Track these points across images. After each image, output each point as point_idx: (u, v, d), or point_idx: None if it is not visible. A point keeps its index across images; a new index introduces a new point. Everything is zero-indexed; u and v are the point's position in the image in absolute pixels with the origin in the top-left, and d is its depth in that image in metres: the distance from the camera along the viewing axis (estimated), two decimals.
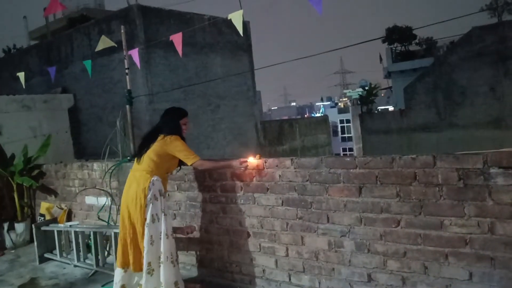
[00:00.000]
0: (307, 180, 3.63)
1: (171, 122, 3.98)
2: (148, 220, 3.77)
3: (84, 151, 11.64)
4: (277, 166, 3.83)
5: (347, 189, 3.40)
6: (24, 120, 9.03)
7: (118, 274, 3.97)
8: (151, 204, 3.78)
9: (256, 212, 4.02)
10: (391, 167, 3.16)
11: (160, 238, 3.81)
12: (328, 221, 3.54)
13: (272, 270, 3.95)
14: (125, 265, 3.96)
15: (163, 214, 3.83)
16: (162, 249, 3.79)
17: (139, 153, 4.00)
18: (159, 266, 3.80)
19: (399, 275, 3.20)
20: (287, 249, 3.83)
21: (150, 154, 3.88)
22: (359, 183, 3.33)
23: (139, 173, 3.88)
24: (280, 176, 3.81)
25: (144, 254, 3.79)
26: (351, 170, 3.37)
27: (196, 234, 4.52)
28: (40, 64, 13.61)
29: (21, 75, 6.90)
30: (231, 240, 4.25)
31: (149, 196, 3.78)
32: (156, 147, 3.87)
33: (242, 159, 3.92)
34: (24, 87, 7.69)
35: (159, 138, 3.90)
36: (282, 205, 3.82)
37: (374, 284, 3.33)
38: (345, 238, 3.45)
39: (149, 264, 3.78)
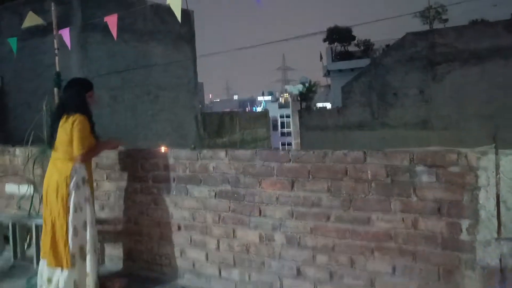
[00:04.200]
0: (241, 173, 3.59)
1: (76, 97, 3.73)
2: (71, 210, 3.57)
3: (11, 138, 10.89)
4: (211, 157, 3.76)
5: (280, 182, 3.40)
6: None
7: (43, 265, 3.73)
8: (73, 193, 3.58)
9: (188, 204, 3.92)
10: (323, 161, 3.20)
11: (85, 229, 3.65)
12: (260, 214, 3.52)
13: (203, 264, 3.88)
14: None
15: (87, 202, 3.65)
16: (88, 238, 3.64)
17: (50, 139, 3.76)
18: (85, 256, 3.64)
19: (327, 269, 3.25)
20: (218, 242, 3.78)
21: (62, 138, 3.63)
22: (292, 176, 3.34)
23: (60, 162, 3.65)
24: (214, 167, 3.74)
25: (70, 246, 3.58)
26: (285, 164, 3.37)
27: (125, 226, 4.35)
28: None
29: None
30: (161, 232, 4.13)
31: (71, 184, 3.58)
32: (64, 129, 3.62)
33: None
34: None
35: (63, 118, 3.64)
36: (215, 197, 3.76)
37: (302, 278, 3.36)
38: (276, 231, 3.45)
39: (73, 256, 3.59)
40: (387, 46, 21.62)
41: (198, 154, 3.84)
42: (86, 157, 3.68)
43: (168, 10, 12.35)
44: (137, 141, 11.15)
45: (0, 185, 5.67)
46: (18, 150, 5.46)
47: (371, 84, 17.97)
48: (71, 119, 3.60)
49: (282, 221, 3.41)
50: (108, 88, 11.11)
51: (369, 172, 3.04)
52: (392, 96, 17.52)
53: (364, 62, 22.08)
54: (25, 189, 5.30)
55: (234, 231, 3.68)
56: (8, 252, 4.90)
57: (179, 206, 3.98)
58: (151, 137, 12.30)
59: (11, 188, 5.53)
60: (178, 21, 4.57)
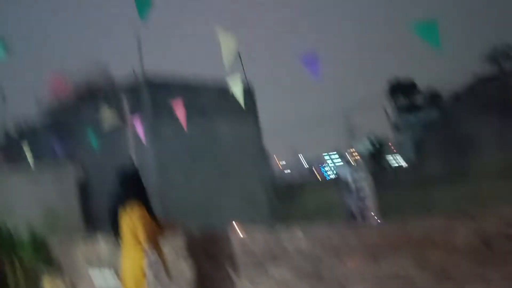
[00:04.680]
0: (319, 249, 3.43)
1: (131, 183, 3.88)
2: None
3: (94, 225, 11.47)
4: (287, 234, 3.65)
5: (362, 257, 3.18)
6: (32, 194, 9.00)
7: None
8: (150, 281, 3.63)
9: (268, 285, 3.78)
10: (405, 231, 2.97)
11: None
12: None
13: None
14: None
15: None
16: None
17: (115, 231, 3.84)
18: None
19: None
20: None
21: (126, 230, 3.71)
22: (374, 250, 3.12)
23: (131, 252, 3.72)
24: (290, 245, 3.61)
25: None
26: (365, 238, 3.17)
27: None
28: (49, 139, 13.79)
29: (28, 154, 6.94)
30: None
31: (148, 272, 3.64)
32: (126, 221, 3.72)
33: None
34: (32, 165, 7.72)
35: (124, 209, 3.74)
36: (295, 277, 3.59)
37: None
38: None
39: None
40: (456, 93, 20.81)
41: (273, 232, 3.74)
42: (153, 244, 3.72)
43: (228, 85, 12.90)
44: (210, 217, 11.28)
45: (86, 272, 5.87)
46: (101, 239, 5.68)
47: (444, 135, 17.18)
48: (131, 210, 3.71)
49: None
50: (179, 168, 11.51)
51: (458, 239, 2.76)
52: (470, 144, 16.56)
53: (433, 113, 21.33)
54: (109, 275, 5.44)
55: None
56: None
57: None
58: (224, 212, 12.38)
59: (95, 275, 5.71)
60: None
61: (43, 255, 6.63)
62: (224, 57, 3.97)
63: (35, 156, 7.71)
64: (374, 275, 3.12)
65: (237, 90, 4.31)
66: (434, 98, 24.22)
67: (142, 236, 3.64)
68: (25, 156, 7.74)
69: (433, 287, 2.86)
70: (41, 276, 6.74)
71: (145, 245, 3.65)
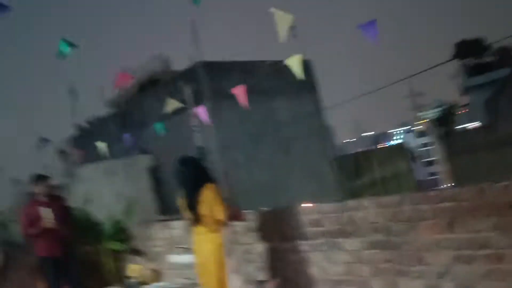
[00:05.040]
0: (390, 220, 3.40)
1: (201, 169, 3.99)
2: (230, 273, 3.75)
3: (168, 208, 12.00)
4: (356, 208, 3.64)
5: (436, 225, 3.12)
6: (108, 184, 9.54)
7: None
8: (228, 258, 3.78)
9: (342, 259, 3.82)
10: (482, 198, 2.86)
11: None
12: (421, 263, 3.25)
13: None
14: None
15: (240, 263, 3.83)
16: None
17: (194, 215, 3.92)
18: None
19: None
20: None
21: (204, 209, 3.81)
22: (449, 218, 3.04)
23: (209, 232, 3.86)
24: (361, 218, 3.61)
25: None
26: (438, 205, 3.10)
27: (282, 286, 4.36)
28: (119, 130, 14.52)
29: (101, 145, 7.36)
30: None
31: (225, 251, 3.79)
32: (203, 200, 3.80)
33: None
34: (105, 156, 8.18)
35: (200, 191, 3.82)
36: (368, 248, 3.60)
37: None
38: (444, 279, 3.13)
39: None
40: None
41: (343, 206, 3.75)
42: (230, 218, 3.84)
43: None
44: (275, 196, 11.41)
45: (166, 257, 6.20)
46: (176, 224, 5.96)
47: None
48: (206, 190, 3.81)
49: (448, 267, 3.10)
50: (242, 149, 11.71)
51: None
52: None
53: (504, 72, 19.90)
54: (187, 258, 5.72)
55: (396, 283, 3.44)
56: None
57: (333, 261, 3.89)
58: (288, 190, 12.47)
59: (175, 258, 6.02)
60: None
61: (126, 241, 7.08)
62: (281, 36, 3.97)
63: (107, 148, 8.17)
64: (451, 243, 3.06)
65: (296, 68, 4.30)
66: (505, 56, 22.57)
67: (219, 206, 3.74)
68: (98, 148, 8.21)
69: None
70: (126, 262, 7.22)
71: (223, 215, 3.74)
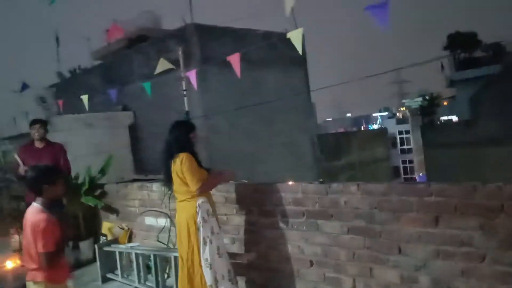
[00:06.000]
0: (375, 208, 3.38)
1: (181, 138, 3.89)
2: (201, 244, 3.70)
3: (144, 167, 11.87)
4: (341, 191, 3.61)
5: (421, 218, 3.11)
6: (87, 137, 9.34)
7: None
8: (201, 228, 3.71)
9: (319, 240, 3.80)
10: (472, 197, 2.85)
11: (218, 260, 3.75)
12: (400, 253, 3.25)
13: None
14: None
15: (215, 234, 3.76)
16: (217, 268, 3.73)
17: (167, 182, 3.96)
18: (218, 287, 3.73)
19: None
20: (354, 281, 3.58)
21: (177, 179, 3.80)
22: (435, 212, 3.03)
23: (184, 202, 3.84)
24: (345, 202, 3.58)
25: (206, 279, 3.71)
26: (425, 198, 3.08)
27: (256, 260, 4.36)
28: (102, 83, 14.16)
29: (84, 97, 7.12)
30: (292, 268, 4.05)
31: (198, 220, 3.73)
32: (175, 170, 3.79)
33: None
34: (87, 108, 7.95)
35: (175, 158, 3.79)
36: (347, 233, 3.58)
37: None
38: (420, 272, 3.15)
39: (210, 287, 3.70)
40: None
41: (328, 188, 3.71)
42: (203, 189, 3.78)
43: (279, 36, 12.62)
44: (255, 166, 11.42)
45: (141, 218, 6.13)
46: (155, 186, 5.87)
47: (505, 92, 16.18)
48: (178, 159, 3.77)
49: (426, 261, 3.11)
50: (225, 117, 11.58)
51: None
52: None
53: (494, 69, 20.03)
54: (162, 222, 5.66)
55: (371, 270, 3.45)
56: (151, 283, 5.22)
57: (310, 242, 3.87)
58: (267, 162, 12.49)
59: (150, 221, 5.95)
60: (291, 46, 4.57)
61: (101, 197, 6.95)
62: (287, 8, 3.83)
63: (89, 100, 7.93)
64: (433, 237, 3.06)
65: (297, 42, 4.17)
66: (497, 52, 22.68)
67: (190, 178, 3.71)
68: (80, 99, 7.96)
69: (501, 255, 2.77)
70: (100, 218, 7.12)
71: (194, 188, 3.70)
